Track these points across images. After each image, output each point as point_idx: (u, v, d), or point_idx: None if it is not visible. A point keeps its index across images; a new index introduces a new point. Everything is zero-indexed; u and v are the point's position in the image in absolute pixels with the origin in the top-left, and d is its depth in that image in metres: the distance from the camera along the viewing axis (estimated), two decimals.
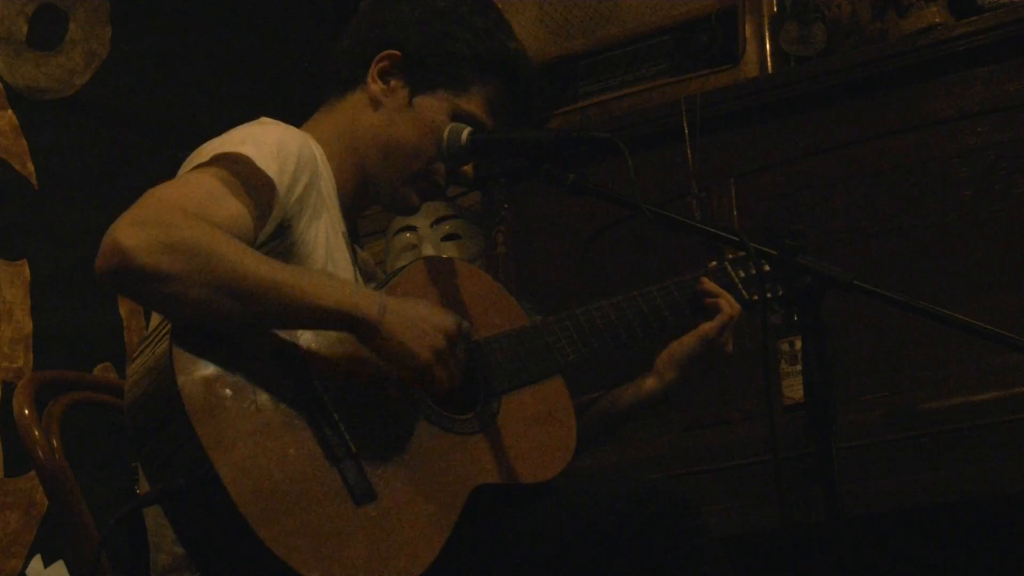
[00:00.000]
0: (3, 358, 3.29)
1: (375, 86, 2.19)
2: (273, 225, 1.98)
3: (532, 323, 2.20)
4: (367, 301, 1.90)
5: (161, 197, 1.85)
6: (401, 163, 2.18)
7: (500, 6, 3.44)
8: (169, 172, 2.02)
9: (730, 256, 2.38)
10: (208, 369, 1.83)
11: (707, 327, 2.31)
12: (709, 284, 2.33)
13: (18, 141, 3.41)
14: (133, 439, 1.88)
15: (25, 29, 3.47)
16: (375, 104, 2.19)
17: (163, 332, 1.86)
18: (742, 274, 2.37)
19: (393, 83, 2.19)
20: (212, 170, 1.92)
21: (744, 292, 2.36)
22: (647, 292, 2.30)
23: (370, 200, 2.26)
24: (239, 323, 1.87)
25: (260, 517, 1.77)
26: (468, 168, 2.23)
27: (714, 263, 2.38)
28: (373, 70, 2.20)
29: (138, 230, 1.78)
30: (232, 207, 1.88)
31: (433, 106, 2.18)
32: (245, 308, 1.84)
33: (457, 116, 2.18)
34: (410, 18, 2.20)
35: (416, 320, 1.93)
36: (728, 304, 2.31)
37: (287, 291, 1.85)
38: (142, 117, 3.64)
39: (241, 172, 1.92)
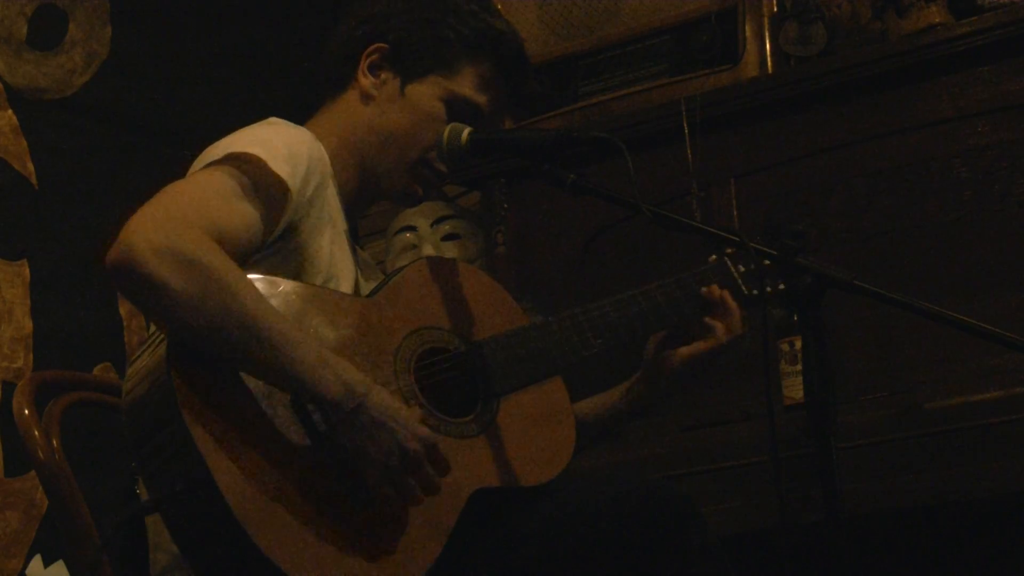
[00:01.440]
0: (3, 358, 3.29)
1: (365, 80, 2.20)
2: (283, 226, 1.98)
3: (532, 324, 2.20)
4: (344, 392, 1.84)
5: (177, 199, 1.85)
6: (398, 152, 2.19)
7: (500, 6, 3.46)
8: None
9: (729, 251, 2.36)
10: (205, 374, 1.82)
11: (699, 347, 2.28)
12: (714, 294, 2.28)
13: (18, 141, 3.41)
14: (131, 442, 1.88)
15: (25, 29, 3.47)
16: (367, 99, 2.20)
17: (161, 335, 1.86)
18: (742, 269, 2.34)
19: (383, 75, 2.20)
20: (225, 169, 1.92)
21: (744, 288, 2.35)
22: (647, 290, 2.29)
23: (371, 198, 2.26)
24: (215, 351, 1.84)
25: (256, 523, 1.76)
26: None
27: (713, 257, 2.36)
28: (362, 65, 2.21)
29: (153, 231, 1.78)
30: (244, 209, 1.88)
31: (425, 92, 2.19)
32: (225, 339, 1.81)
33: (450, 99, 2.19)
34: (393, 9, 2.22)
35: (383, 431, 1.85)
36: (723, 332, 2.28)
37: (270, 342, 1.81)
38: (142, 117, 3.64)
39: (253, 173, 1.92)
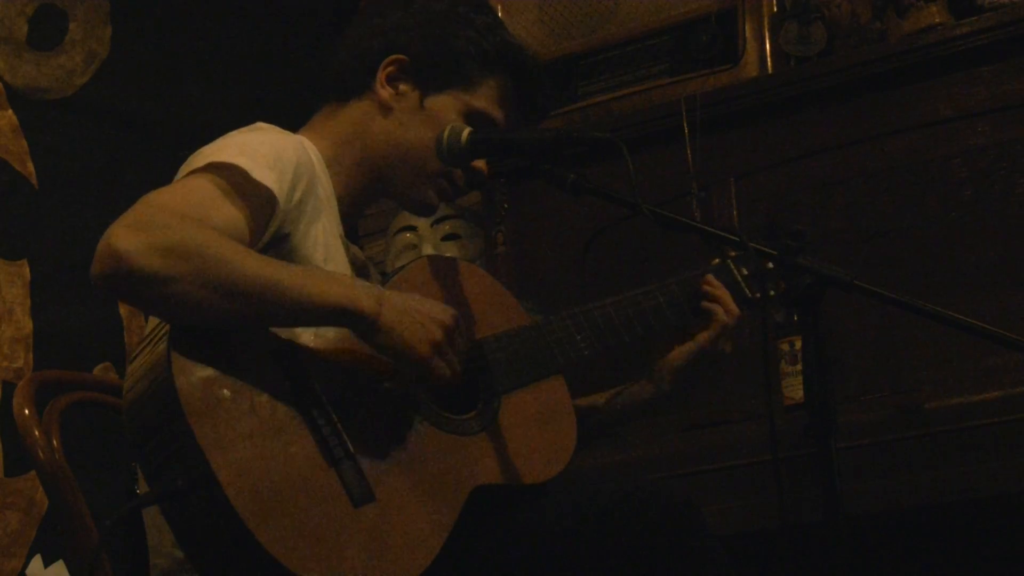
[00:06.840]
0: (3, 358, 3.30)
1: (384, 92, 2.19)
2: (271, 233, 1.97)
3: (533, 322, 2.20)
4: (364, 296, 1.90)
5: (156, 201, 1.85)
6: (418, 165, 2.19)
7: (501, 6, 3.46)
8: (169, 172, 2.02)
9: (733, 254, 2.37)
10: (206, 370, 1.83)
11: (702, 337, 2.30)
12: (712, 285, 2.32)
13: (18, 141, 3.41)
14: (132, 440, 1.88)
15: (25, 29, 3.47)
16: (385, 110, 2.19)
17: (161, 333, 1.86)
18: (745, 272, 2.35)
19: (402, 88, 2.20)
20: (208, 176, 1.91)
21: (747, 290, 2.35)
22: (649, 290, 2.30)
23: (373, 202, 2.26)
24: (238, 323, 1.87)
25: (257, 518, 1.77)
26: (482, 165, 2.23)
27: (717, 260, 2.37)
28: (381, 76, 2.19)
29: (133, 233, 1.78)
30: (228, 211, 1.88)
31: (445, 106, 2.18)
32: (243, 307, 1.83)
33: (468, 113, 2.18)
34: (411, 23, 2.21)
35: (413, 313, 1.93)
36: (723, 312, 2.29)
37: (285, 289, 1.85)
38: (142, 117, 3.64)
39: (236, 181, 1.91)
